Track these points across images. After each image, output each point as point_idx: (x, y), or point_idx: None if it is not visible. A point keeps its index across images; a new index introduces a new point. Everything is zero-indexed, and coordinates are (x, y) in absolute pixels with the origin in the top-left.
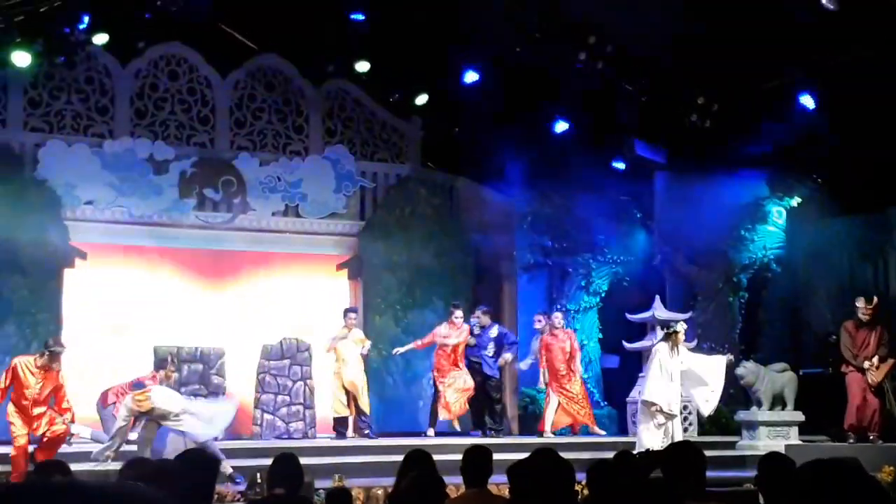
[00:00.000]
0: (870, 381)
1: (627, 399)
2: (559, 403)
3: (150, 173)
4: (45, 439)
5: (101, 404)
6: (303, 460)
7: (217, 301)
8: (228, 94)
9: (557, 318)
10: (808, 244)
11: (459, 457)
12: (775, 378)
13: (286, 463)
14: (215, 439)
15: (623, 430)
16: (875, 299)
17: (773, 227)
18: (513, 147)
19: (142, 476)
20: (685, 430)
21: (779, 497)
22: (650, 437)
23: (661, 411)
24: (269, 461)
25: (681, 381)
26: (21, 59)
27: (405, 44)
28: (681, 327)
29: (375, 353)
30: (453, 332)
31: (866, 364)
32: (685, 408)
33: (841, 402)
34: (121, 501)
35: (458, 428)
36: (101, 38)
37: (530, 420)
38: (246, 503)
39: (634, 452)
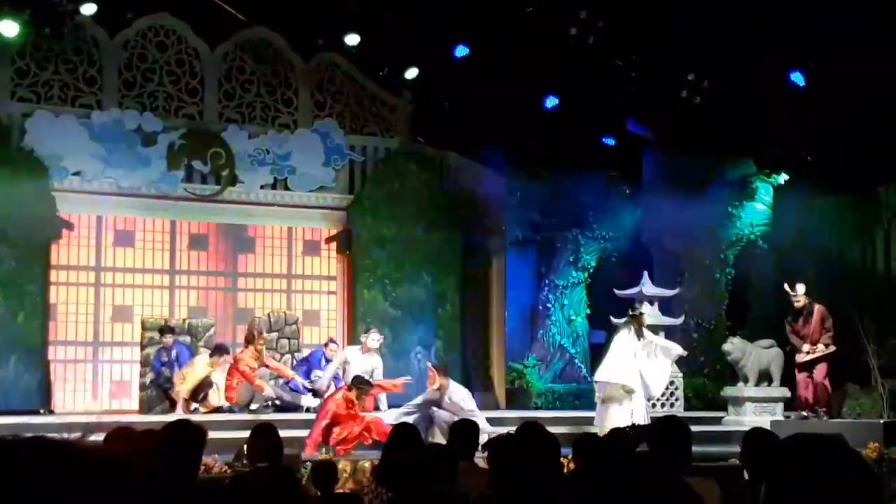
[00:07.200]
0: (797, 359)
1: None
2: None
3: (138, 145)
4: None
5: None
6: (291, 433)
7: (205, 273)
8: (217, 66)
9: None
10: (795, 221)
11: None
12: (762, 354)
13: (264, 434)
14: None
15: None
16: (802, 287)
17: (760, 205)
18: (503, 122)
19: (126, 445)
20: (672, 405)
21: (762, 472)
22: (615, 415)
23: (624, 389)
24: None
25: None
26: (8, 28)
27: (395, 17)
28: (646, 308)
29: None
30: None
31: (805, 347)
32: (672, 383)
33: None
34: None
35: None
36: (89, 9)
37: (517, 394)
38: (232, 475)
39: (594, 431)
